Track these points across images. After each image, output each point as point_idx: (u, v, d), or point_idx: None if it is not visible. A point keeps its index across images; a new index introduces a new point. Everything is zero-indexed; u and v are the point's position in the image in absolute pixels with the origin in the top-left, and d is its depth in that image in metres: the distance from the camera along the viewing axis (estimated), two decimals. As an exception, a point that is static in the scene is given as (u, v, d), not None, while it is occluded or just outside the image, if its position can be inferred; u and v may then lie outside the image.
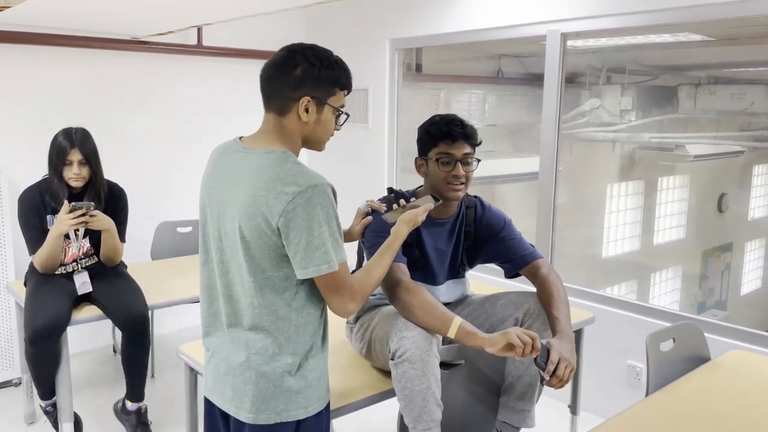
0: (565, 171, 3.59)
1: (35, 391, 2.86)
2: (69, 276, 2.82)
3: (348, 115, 1.69)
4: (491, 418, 2.23)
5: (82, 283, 2.78)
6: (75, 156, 2.75)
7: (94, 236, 2.87)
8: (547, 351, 1.83)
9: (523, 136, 4.69)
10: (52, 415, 2.83)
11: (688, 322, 2.39)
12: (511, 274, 2.26)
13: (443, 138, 2.05)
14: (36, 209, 2.80)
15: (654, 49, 3.88)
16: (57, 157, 2.75)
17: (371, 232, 2.02)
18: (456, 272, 2.27)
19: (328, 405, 1.71)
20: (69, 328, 2.64)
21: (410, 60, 4.38)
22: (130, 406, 2.88)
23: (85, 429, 2.92)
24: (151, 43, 4.08)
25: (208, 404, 1.75)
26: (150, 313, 2.84)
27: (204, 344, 1.75)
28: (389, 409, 2.14)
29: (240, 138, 1.67)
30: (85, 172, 2.79)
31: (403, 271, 1.98)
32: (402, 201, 2.02)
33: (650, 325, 2.91)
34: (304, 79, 1.57)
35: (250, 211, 1.51)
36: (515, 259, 2.21)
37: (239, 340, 1.61)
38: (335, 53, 1.65)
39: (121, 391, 2.91)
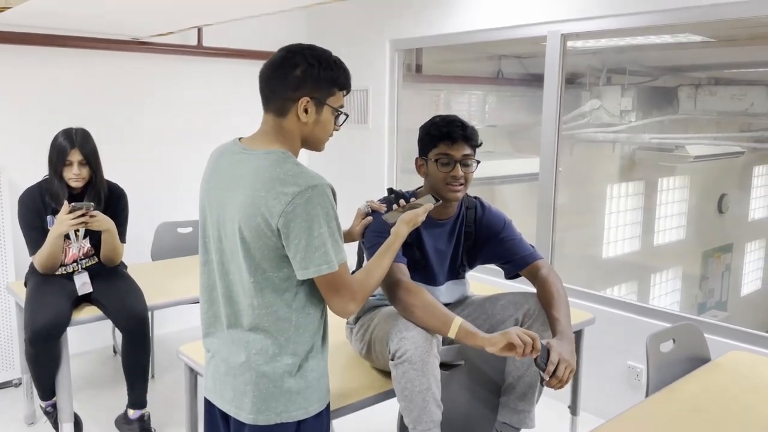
0: (565, 172, 3.59)
1: (35, 392, 2.86)
2: (69, 276, 2.83)
3: (347, 116, 1.69)
4: (491, 419, 2.23)
5: (83, 283, 2.78)
6: (75, 156, 2.75)
7: (94, 237, 2.87)
8: (547, 351, 1.83)
9: (523, 136, 4.69)
10: (52, 415, 2.83)
11: (688, 323, 2.39)
12: (511, 274, 2.26)
13: (443, 139, 2.06)
14: (36, 210, 2.80)
15: (654, 50, 3.89)
16: (57, 158, 2.76)
17: (371, 232, 2.02)
18: (456, 273, 2.27)
19: (328, 405, 1.71)
20: (69, 329, 2.64)
21: (410, 61, 4.38)
22: (132, 414, 2.85)
23: (84, 429, 2.92)
24: (152, 44, 4.08)
25: (208, 405, 1.75)
26: (150, 313, 2.84)
27: (204, 345, 1.75)
28: (389, 410, 2.14)
29: (239, 139, 1.67)
30: (85, 172, 2.79)
31: (403, 271, 1.98)
32: (402, 201, 2.02)
33: (650, 326, 2.91)
34: (303, 79, 1.57)
35: (250, 212, 1.51)
36: (515, 259, 2.21)
37: (239, 340, 1.61)
38: (335, 54, 1.65)
39: (121, 391, 2.91)
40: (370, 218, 2.05)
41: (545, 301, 2.09)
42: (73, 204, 2.66)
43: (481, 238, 2.23)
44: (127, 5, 2.98)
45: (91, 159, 2.79)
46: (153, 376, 3.69)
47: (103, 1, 2.88)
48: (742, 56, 3.80)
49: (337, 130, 1.69)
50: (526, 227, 2.75)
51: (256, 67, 1.65)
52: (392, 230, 1.83)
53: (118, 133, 4.04)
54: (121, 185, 3.01)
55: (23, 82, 3.72)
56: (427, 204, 1.93)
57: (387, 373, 1.96)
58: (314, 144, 1.66)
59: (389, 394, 1.97)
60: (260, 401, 1.59)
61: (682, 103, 4.05)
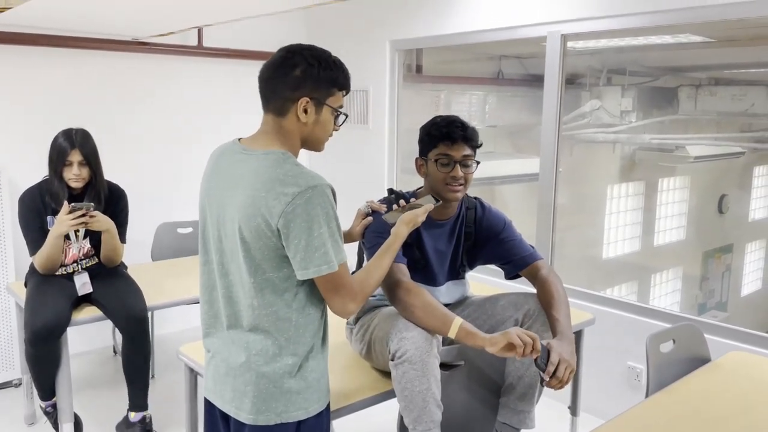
0: (566, 172, 3.59)
1: (35, 392, 2.86)
2: (69, 277, 2.83)
3: (347, 116, 1.69)
4: (491, 419, 2.23)
5: (83, 283, 2.78)
6: (75, 157, 2.75)
7: (94, 237, 2.87)
8: (547, 352, 1.83)
9: (524, 137, 4.69)
10: (52, 415, 2.83)
11: (688, 324, 2.39)
12: (511, 275, 2.26)
13: (443, 139, 2.06)
14: (36, 210, 2.80)
15: (654, 51, 3.89)
16: (57, 158, 2.76)
17: (371, 232, 2.02)
18: (456, 273, 2.27)
19: (329, 406, 1.71)
20: (69, 329, 2.64)
21: (410, 61, 4.38)
22: (134, 417, 2.82)
23: (85, 429, 2.92)
24: (152, 44, 4.09)
25: (209, 405, 1.75)
26: (150, 314, 2.84)
27: (204, 345, 1.75)
28: (389, 410, 2.14)
29: (239, 139, 1.67)
30: (85, 172, 2.79)
31: (403, 271, 1.98)
32: (402, 201, 2.02)
33: (650, 327, 2.91)
34: (302, 79, 1.57)
35: (250, 212, 1.51)
36: (515, 260, 2.21)
37: (239, 341, 1.62)
38: (335, 54, 1.65)
39: (122, 391, 2.90)
40: (370, 218, 2.05)
41: (545, 301, 2.09)
42: (73, 204, 2.66)
43: (481, 238, 2.23)
44: (128, 6, 2.98)
45: (91, 159, 2.80)
46: (153, 377, 3.69)
47: (103, 1, 2.88)
48: (742, 56, 3.81)
49: (336, 130, 1.69)
50: (526, 227, 2.75)
51: (256, 67, 1.65)
52: (392, 230, 1.83)
53: (119, 133, 4.04)
54: (121, 185, 3.01)
55: (24, 82, 3.72)
56: (427, 204, 1.93)
57: (387, 374, 1.96)
58: (314, 144, 1.66)
59: (389, 395, 1.97)
60: (260, 401, 1.59)
61: (682, 103, 4.04)
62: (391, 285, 1.94)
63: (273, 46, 1.66)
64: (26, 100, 3.74)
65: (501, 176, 4.57)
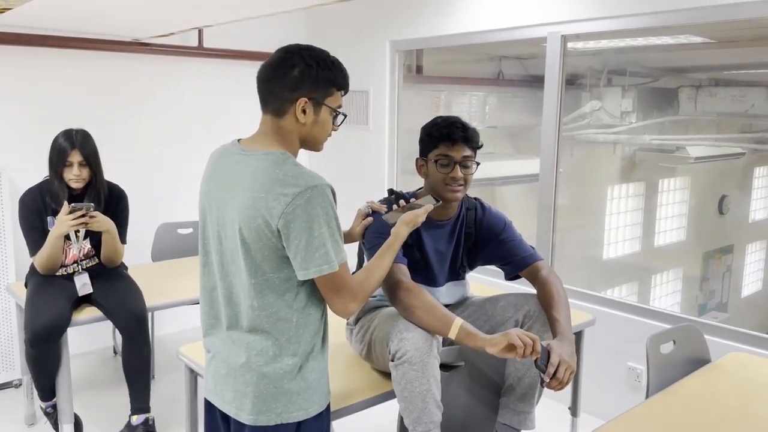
0: (566, 173, 3.59)
1: (35, 393, 2.86)
2: (69, 277, 2.83)
3: (345, 116, 1.69)
4: (491, 420, 2.23)
5: (83, 284, 2.78)
6: (75, 157, 2.75)
7: (94, 238, 2.87)
8: (547, 353, 1.83)
9: (524, 137, 4.69)
10: (53, 416, 2.83)
11: (688, 324, 2.39)
12: (511, 275, 2.26)
13: (443, 140, 2.06)
14: (37, 210, 2.80)
15: (654, 51, 3.89)
16: (57, 159, 2.76)
17: (372, 233, 2.02)
18: (456, 274, 2.27)
19: (329, 406, 1.71)
20: (69, 330, 2.64)
21: (411, 62, 4.38)
22: (136, 420, 2.80)
23: (85, 430, 2.92)
24: (152, 45, 4.09)
25: (209, 406, 1.75)
26: (150, 314, 2.84)
27: (204, 345, 1.75)
28: (389, 411, 2.14)
29: (238, 140, 1.67)
30: (85, 173, 2.79)
31: (403, 272, 1.98)
32: (402, 202, 2.02)
33: (651, 327, 2.91)
34: (301, 80, 1.57)
35: (250, 213, 1.52)
36: (515, 260, 2.21)
37: (240, 341, 1.62)
38: (336, 55, 1.65)
39: (122, 392, 2.90)
40: (370, 219, 2.05)
41: (545, 302, 2.09)
42: (73, 204, 2.66)
43: (482, 239, 2.23)
44: (128, 6, 2.98)
45: (92, 160, 2.80)
46: (153, 377, 3.69)
47: (103, 1, 2.88)
48: (742, 57, 3.81)
49: (335, 130, 1.69)
50: (526, 228, 2.75)
51: (257, 68, 1.65)
52: (392, 231, 1.83)
53: (119, 133, 4.04)
54: (122, 186, 3.01)
55: (24, 83, 3.72)
56: (427, 205, 1.93)
57: (387, 374, 1.96)
58: (313, 144, 1.66)
59: (389, 395, 1.97)
60: (261, 402, 1.59)
61: (682, 104, 4.05)
62: (391, 285, 1.94)
63: (273, 46, 1.66)
64: (27, 100, 3.74)
65: (501, 177, 4.58)
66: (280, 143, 1.60)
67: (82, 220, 2.66)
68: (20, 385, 3.48)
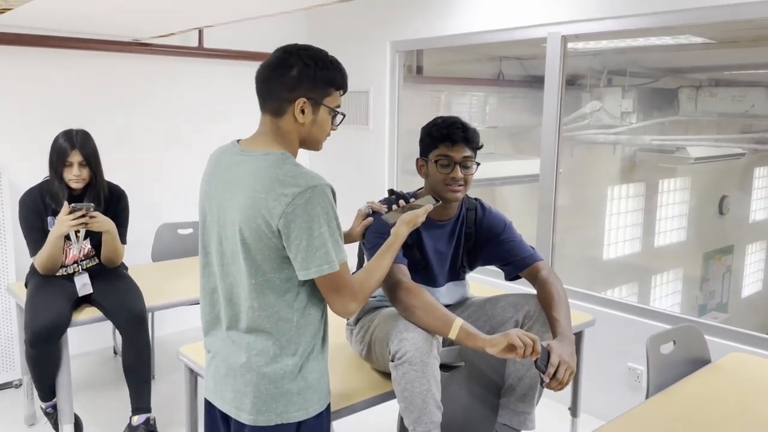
0: (566, 173, 3.59)
1: (35, 393, 2.86)
2: (70, 277, 2.83)
3: (344, 116, 1.69)
4: (491, 420, 2.23)
5: (83, 284, 2.78)
6: (75, 157, 2.75)
7: (95, 238, 2.87)
8: (547, 353, 1.83)
9: (524, 138, 4.69)
10: (53, 416, 2.83)
11: (688, 325, 2.39)
12: (511, 276, 2.26)
13: (444, 140, 2.06)
14: (37, 211, 2.80)
15: (655, 52, 3.89)
16: (57, 159, 2.76)
17: (372, 233, 2.02)
18: (456, 274, 2.27)
19: (329, 406, 1.71)
20: (69, 330, 2.64)
21: (411, 62, 4.38)
22: (136, 420, 2.78)
23: (85, 430, 2.92)
24: (153, 45, 4.09)
25: (209, 406, 1.75)
26: (150, 315, 2.83)
27: (205, 345, 1.75)
28: (389, 411, 2.14)
29: (238, 141, 1.67)
30: (85, 173, 2.79)
31: (403, 272, 1.98)
32: (401, 201, 2.02)
33: (651, 328, 2.91)
34: (299, 80, 1.57)
35: (250, 214, 1.52)
36: (515, 261, 2.21)
37: (240, 341, 1.62)
38: (336, 55, 1.65)
39: (122, 392, 2.90)
40: (370, 219, 2.05)
41: (545, 302, 2.09)
42: (73, 205, 2.66)
43: (482, 239, 2.23)
44: (129, 6, 2.98)
45: (92, 160, 2.80)
46: (153, 377, 3.68)
47: (104, 2, 2.88)
48: (742, 58, 3.81)
49: (334, 129, 1.69)
50: (526, 228, 2.75)
51: (257, 68, 1.65)
52: (392, 230, 1.83)
53: (119, 134, 4.04)
54: (122, 186, 3.01)
55: (24, 83, 3.72)
56: (427, 204, 1.93)
57: (387, 375, 1.96)
58: (312, 144, 1.66)
59: (389, 396, 1.97)
60: (260, 402, 1.59)
61: (682, 104, 4.05)
62: (391, 285, 1.94)
63: (273, 47, 1.66)
64: (27, 100, 3.74)
65: (501, 177, 4.58)
66: (279, 143, 1.60)
67: (82, 220, 2.66)
68: (20, 385, 3.48)
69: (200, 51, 4.30)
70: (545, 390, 1.99)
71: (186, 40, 4.23)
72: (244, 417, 1.60)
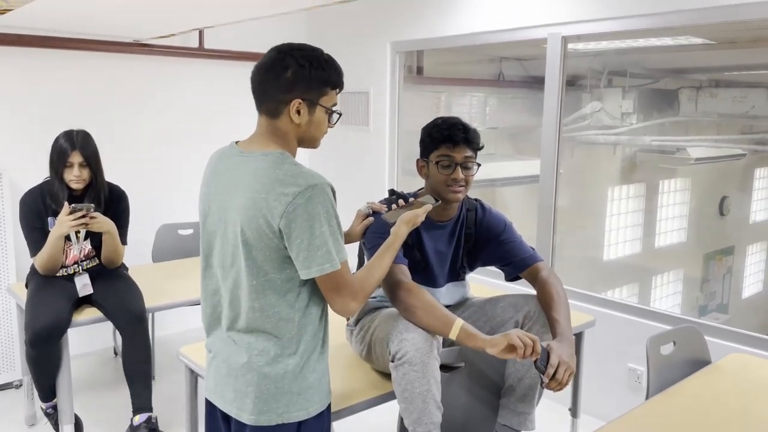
0: (566, 174, 3.59)
1: (36, 393, 2.86)
2: (70, 278, 2.83)
3: (340, 114, 1.68)
4: (491, 421, 2.23)
5: (83, 285, 2.78)
6: (75, 158, 2.75)
7: (95, 238, 2.87)
8: (546, 354, 1.83)
9: (524, 139, 4.69)
10: (53, 416, 2.83)
11: (688, 326, 2.39)
12: (511, 276, 2.26)
13: (444, 141, 2.06)
14: (37, 211, 2.81)
15: (655, 52, 3.89)
16: (58, 159, 2.76)
17: (372, 233, 2.02)
18: (456, 275, 2.27)
19: (329, 406, 1.71)
20: (70, 330, 2.65)
21: (411, 63, 4.38)
22: (137, 420, 2.78)
23: (85, 431, 2.92)
24: (153, 46, 4.09)
25: (210, 406, 1.75)
26: (150, 315, 2.84)
27: (206, 346, 1.75)
28: (389, 411, 2.14)
29: (236, 142, 1.67)
30: (85, 174, 2.79)
31: (404, 272, 1.98)
32: (401, 201, 2.03)
33: (651, 329, 2.91)
34: (294, 81, 1.56)
35: (251, 214, 1.52)
36: (515, 261, 2.22)
37: (241, 342, 1.62)
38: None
39: (122, 392, 2.90)
40: (370, 219, 2.05)
41: (545, 303, 2.09)
42: (73, 205, 2.66)
43: (482, 240, 2.23)
44: (129, 7, 2.98)
45: (92, 161, 2.80)
46: (154, 378, 3.68)
47: (104, 2, 2.88)
48: (742, 58, 3.81)
49: (331, 127, 1.68)
50: (526, 229, 2.75)
51: (254, 69, 1.65)
52: (392, 230, 1.83)
53: (119, 134, 4.04)
54: (122, 187, 3.01)
55: (25, 83, 3.73)
56: (427, 204, 1.93)
57: (387, 375, 1.96)
58: (309, 142, 1.66)
59: (389, 396, 1.97)
60: (261, 402, 1.59)
61: (682, 105, 4.05)
62: (392, 285, 1.94)
63: (274, 47, 1.65)
64: (27, 101, 3.74)
65: (502, 178, 4.58)
66: (277, 143, 1.60)
67: (83, 220, 2.67)
68: (21, 385, 3.48)
69: (201, 52, 4.30)
70: (545, 390, 1.99)
71: (186, 40, 4.23)
72: (245, 417, 1.60)
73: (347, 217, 1.85)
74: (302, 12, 4.58)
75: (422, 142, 2.14)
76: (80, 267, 2.88)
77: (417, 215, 1.87)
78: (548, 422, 2.68)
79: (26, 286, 2.88)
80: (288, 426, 1.60)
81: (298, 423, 1.61)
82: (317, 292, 1.60)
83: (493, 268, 2.36)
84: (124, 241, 2.94)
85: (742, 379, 2.10)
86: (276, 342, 1.58)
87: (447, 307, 2.11)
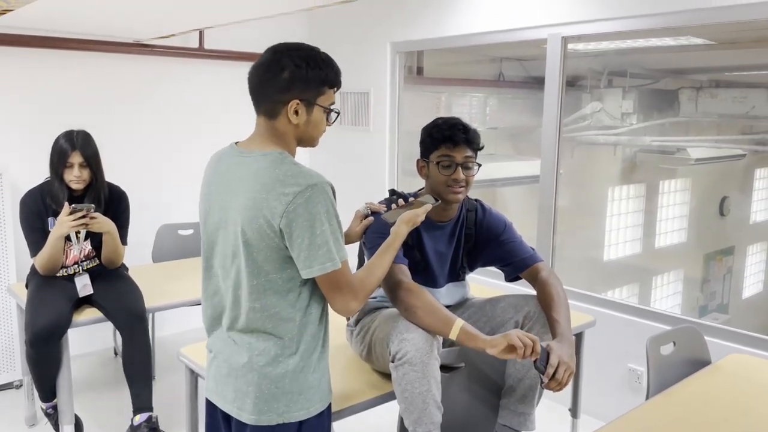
0: (566, 174, 3.59)
1: (36, 393, 2.86)
2: (70, 278, 2.83)
3: (338, 113, 1.69)
4: (491, 421, 2.23)
5: (83, 285, 2.78)
6: (76, 158, 2.76)
7: (95, 239, 2.87)
8: (546, 354, 1.83)
9: (525, 139, 4.69)
10: (53, 417, 2.83)
11: (688, 326, 2.39)
12: (511, 277, 2.26)
13: (445, 141, 2.06)
14: (37, 212, 2.81)
15: (655, 53, 3.89)
16: (58, 160, 2.76)
17: (372, 233, 2.02)
18: (456, 275, 2.27)
19: (330, 406, 1.71)
20: (70, 330, 2.65)
21: (411, 63, 4.38)
22: (138, 419, 2.78)
23: (85, 431, 2.92)
24: (153, 46, 4.09)
25: (210, 406, 1.75)
26: (151, 315, 2.84)
27: (207, 346, 1.75)
28: (389, 412, 2.14)
29: (236, 143, 1.67)
30: (85, 174, 2.79)
31: (404, 272, 1.98)
32: (401, 200, 2.03)
33: (651, 329, 2.91)
34: (291, 82, 1.56)
35: (252, 215, 1.52)
36: (515, 262, 2.22)
37: (241, 342, 1.62)
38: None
39: (122, 393, 2.90)
40: (370, 219, 2.05)
41: (545, 303, 2.09)
42: (73, 205, 2.66)
43: (482, 240, 2.23)
44: (129, 8, 2.99)
45: (92, 161, 2.80)
46: (154, 378, 3.68)
47: (105, 3, 2.89)
48: (743, 59, 3.80)
49: (329, 125, 1.69)
50: (526, 230, 2.75)
51: (252, 69, 1.65)
52: (392, 230, 1.83)
53: (120, 135, 4.04)
54: (123, 187, 3.02)
55: (25, 84, 3.73)
56: (427, 204, 1.93)
57: (387, 375, 1.96)
58: (308, 142, 1.67)
59: (389, 396, 1.97)
60: (262, 402, 1.59)
61: (683, 105, 4.04)
62: (392, 285, 1.94)
63: (274, 48, 1.65)
64: (28, 101, 3.75)
65: (502, 178, 4.58)
66: (276, 143, 1.60)
67: (83, 221, 2.67)
68: (21, 386, 3.48)
69: (201, 52, 4.31)
70: (545, 391, 2.00)
71: (187, 41, 4.23)
72: (246, 417, 1.60)
73: (347, 217, 1.85)
74: (302, 12, 4.58)
75: (422, 143, 2.14)
76: (80, 267, 2.88)
77: (417, 215, 1.87)
78: (548, 422, 2.68)
79: (26, 286, 2.88)
80: (289, 426, 1.60)
81: (298, 423, 1.61)
82: (318, 292, 1.61)
83: (493, 269, 2.36)
84: (124, 242, 2.94)
85: (742, 380, 2.10)
86: (276, 342, 1.58)
87: (447, 307, 2.11)
